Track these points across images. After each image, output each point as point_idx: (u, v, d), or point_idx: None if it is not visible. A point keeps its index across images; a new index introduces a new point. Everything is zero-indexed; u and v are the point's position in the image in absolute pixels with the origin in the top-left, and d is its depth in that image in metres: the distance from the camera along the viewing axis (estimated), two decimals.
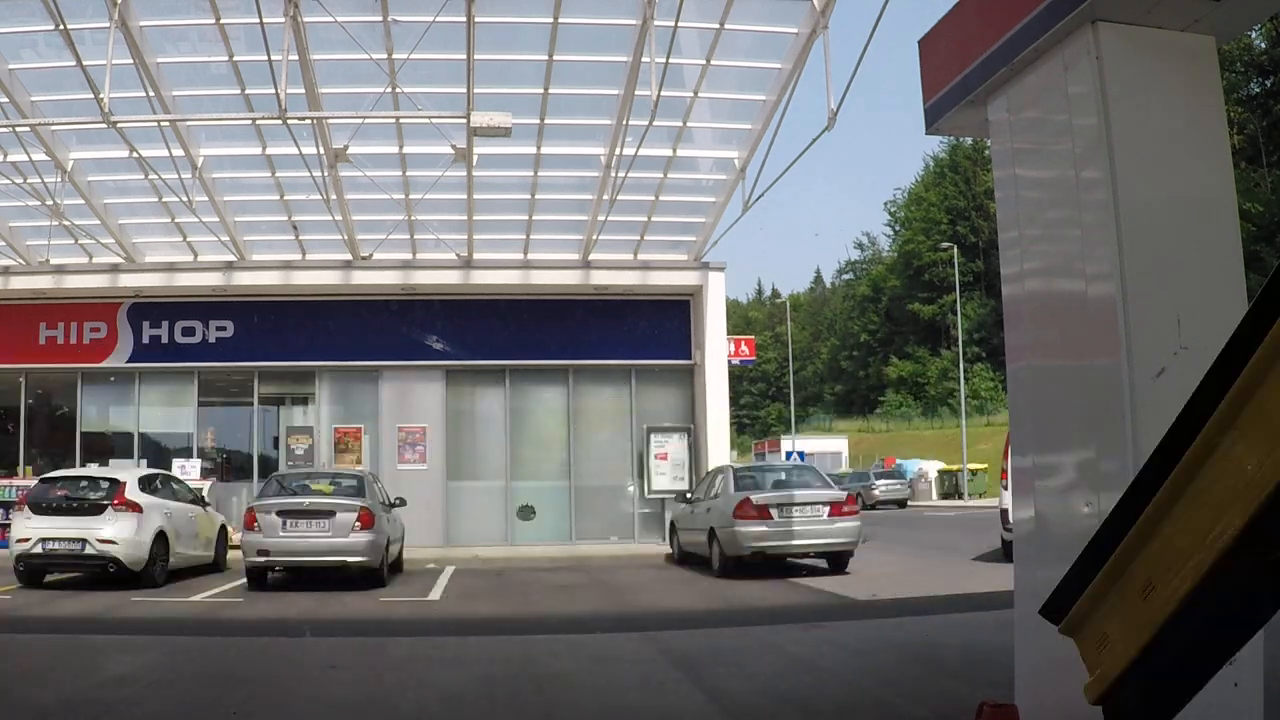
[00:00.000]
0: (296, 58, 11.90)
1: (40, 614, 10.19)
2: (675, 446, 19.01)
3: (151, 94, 12.71)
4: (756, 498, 13.18)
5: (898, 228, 79.37)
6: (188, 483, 15.04)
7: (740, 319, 79.90)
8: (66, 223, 16.22)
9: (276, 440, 19.05)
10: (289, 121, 12.42)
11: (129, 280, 18.20)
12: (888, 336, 76.25)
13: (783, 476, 14.93)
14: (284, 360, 18.83)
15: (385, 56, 12.50)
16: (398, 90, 12.71)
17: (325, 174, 14.64)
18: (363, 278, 18.52)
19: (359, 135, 14.38)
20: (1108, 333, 3.98)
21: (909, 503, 41.34)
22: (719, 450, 18.56)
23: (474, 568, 15.34)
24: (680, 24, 11.85)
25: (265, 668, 7.20)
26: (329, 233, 17.48)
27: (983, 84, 4.71)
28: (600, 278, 18.80)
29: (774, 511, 13.01)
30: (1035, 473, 4.55)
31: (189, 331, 18.67)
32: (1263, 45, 49.87)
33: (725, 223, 17.82)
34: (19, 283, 18.15)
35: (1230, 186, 4.25)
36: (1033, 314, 4.64)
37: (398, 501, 14.37)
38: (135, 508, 12.13)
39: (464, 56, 11.89)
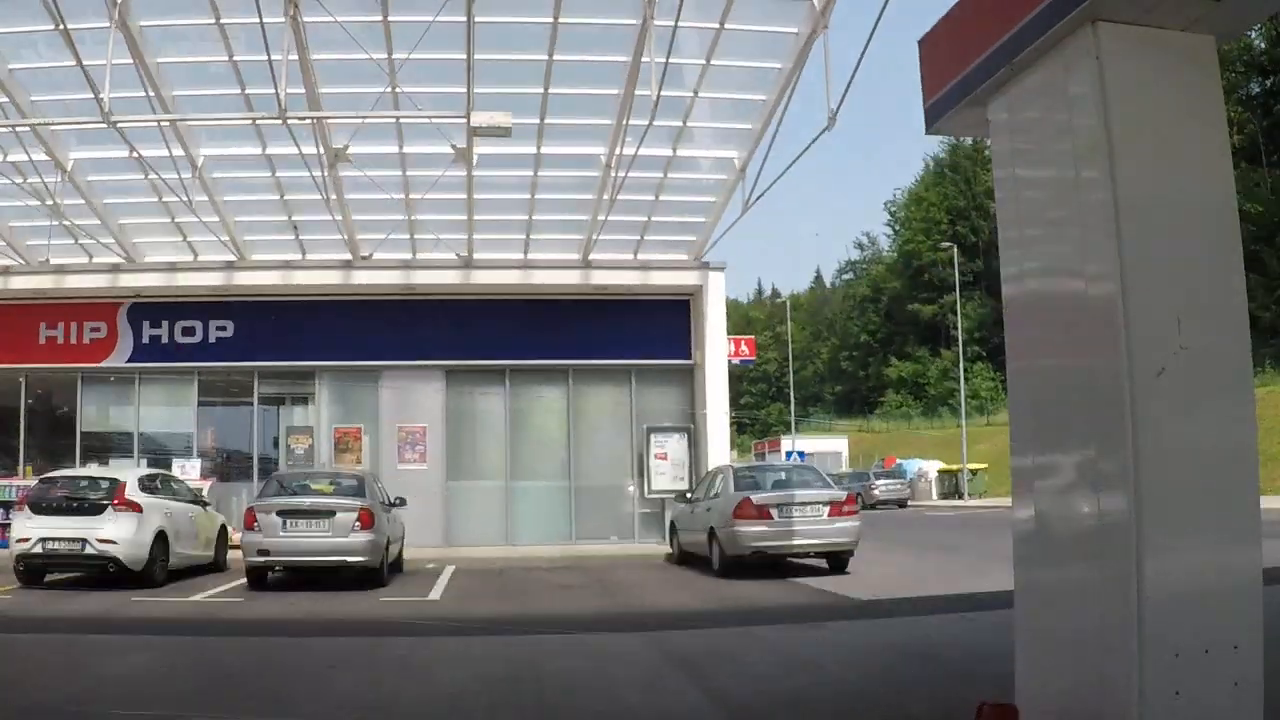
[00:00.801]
0: (296, 58, 11.89)
1: (40, 614, 10.18)
2: (675, 446, 19.00)
3: (151, 94, 12.70)
4: (756, 498, 13.18)
5: (898, 228, 79.38)
6: (188, 483, 15.05)
7: (740, 319, 79.87)
8: (66, 223, 16.22)
9: (276, 440, 19.04)
10: (289, 121, 12.41)
11: (129, 280, 18.20)
12: (888, 337, 76.26)
13: (783, 476, 14.92)
14: (284, 360, 18.82)
15: (385, 56, 12.49)
16: (398, 90, 12.71)
17: (325, 174, 14.64)
18: (363, 278, 18.51)
19: (359, 135, 14.37)
20: (1108, 333, 3.98)
21: (909, 503, 41.36)
22: (719, 450, 18.55)
23: (474, 568, 15.34)
24: (680, 24, 11.83)
25: (265, 668, 7.21)
26: (329, 233, 17.47)
27: (983, 84, 4.71)
28: (600, 278, 18.80)
29: (774, 511, 13.01)
30: (1035, 473, 4.55)
31: (189, 331, 18.66)
32: (1263, 45, 49.87)
33: (725, 223, 17.84)
34: (19, 283, 18.14)
35: (1230, 186, 4.25)
36: (1033, 314, 4.64)
37: (398, 501, 14.37)
38: (135, 507, 12.13)
39: (464, 56, 11.89)
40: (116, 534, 11.82)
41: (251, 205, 17.34)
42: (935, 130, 5.35)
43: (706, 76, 13.69)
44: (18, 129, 13.45)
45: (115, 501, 12.05)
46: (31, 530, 11.84)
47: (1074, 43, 4.15)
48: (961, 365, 48.62)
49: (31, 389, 18.92)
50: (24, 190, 14.82)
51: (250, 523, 12.16)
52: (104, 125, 12.09)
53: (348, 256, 18.21)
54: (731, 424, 22.26)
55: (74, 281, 18.21)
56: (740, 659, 7.12)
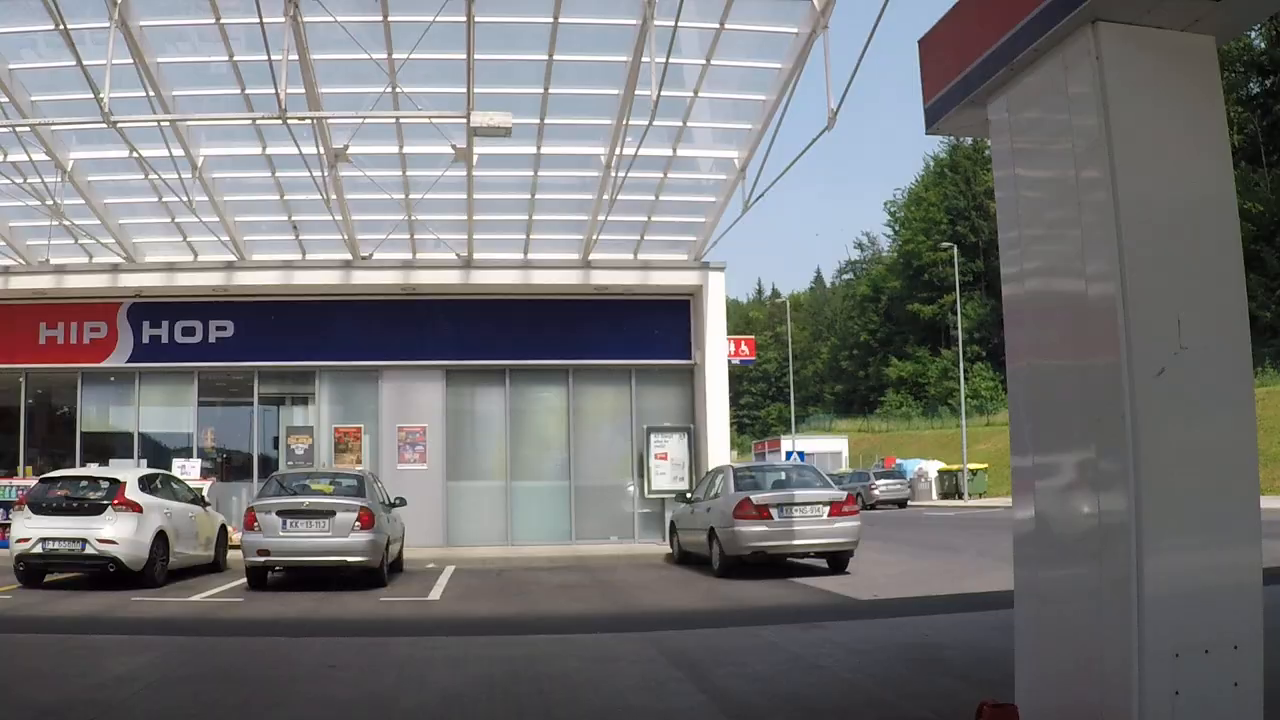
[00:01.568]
0: (296, 58, 11.90)
1: (40, 614, 10.18)
2: (675, 446, 19.02)
3: (151, 94, 12.71)
4: (756, 498, 13.18)
5: (898, 228, 79.35)
6: (188, 483, 15.04)
7: (740, 319, 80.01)
8: (66, 223, 16.22)
9: (276, 440, 19.06)
10: (289, 121, 12.41)
11: (129, 280, 18.21)
12: (888, 336, 76.27)
13: (783, 476, 14.92)
14: (284, 360, 18.84)
15: (385, 56, 12.50)
16: (398, 90, 12.71)
17: (325, 174, 14.64)
18: (363, 278, 18.52)
19: (359, 135, 14.37)
20: (1108, 333, 3.98)
21: (909, 503, 41.38)
22: (719, 450, 18.56)
23: (474, 567, 15.34)
24: (680, 24, 11.83)
25: (265, 668, 7.21)
26: (329, 233, 17.48)
27: (983, 84, 4.71)
28: (600, 278, 18.81)
29: (774, 511, 13.01)
30: (1035, 473, 4.55)
31: (189, 331, 18.67)
32: (1263, 45, 49.88)
33: (725, 223, 17.86)
34: (19, 283, 18.15)
35: (1230, 186, 4.25)
36: (1033, 314, 4.64)
37: (398, 501, 14.38)
38: (135, 507, 12.13)
39: (464, 56, 11.90)
40: (116, 534, 11.82)
41: (251, 205, 17.35)
42: (935, 130, 5.35)
43: (706, 76, 13.70)
44: (18, 129, 13.45)
45: (115, 501, 12.05)
46: (31, 530, 11.84)
47: (1074, 43, 4.15)
48: (961, 365, 48.63)
49: (31, 389, 18.93)
50: (24, 190, 14.82)
51: (250, 523, 12.17)
52: (104, 125, 12.10)
53: (348, 256, 18.21)
54: (731, 424, 22.25)
55: (74, 281, 18.23)
56: (740, 659, 7.12)
